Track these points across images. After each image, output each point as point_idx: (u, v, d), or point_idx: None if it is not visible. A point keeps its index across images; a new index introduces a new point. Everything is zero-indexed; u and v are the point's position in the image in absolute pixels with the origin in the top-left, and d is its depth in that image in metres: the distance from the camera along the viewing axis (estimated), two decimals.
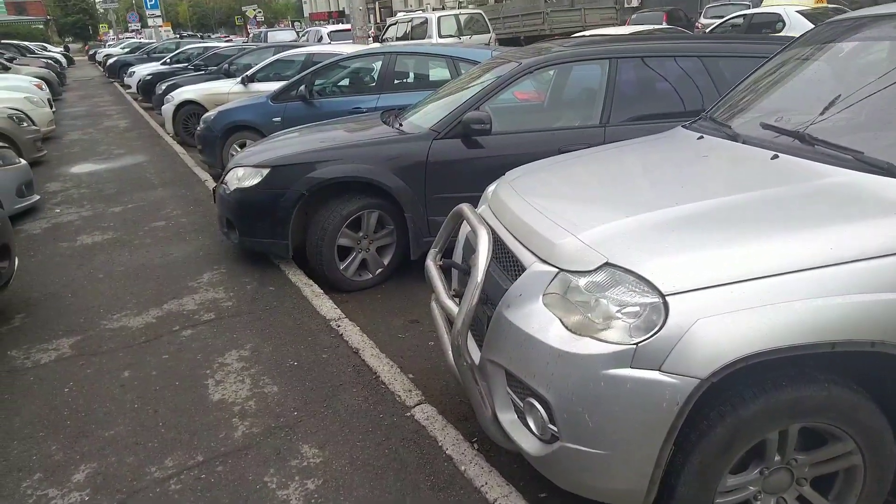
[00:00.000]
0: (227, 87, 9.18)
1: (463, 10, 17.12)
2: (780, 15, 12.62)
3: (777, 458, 1.79)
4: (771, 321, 1.59)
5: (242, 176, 4.25)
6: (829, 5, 13.90)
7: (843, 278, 1.63)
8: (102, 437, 2.67)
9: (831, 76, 2.72)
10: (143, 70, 15.91)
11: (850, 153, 2.01)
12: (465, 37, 15.01)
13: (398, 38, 15.39)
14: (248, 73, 9.02)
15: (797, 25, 11.44)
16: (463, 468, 2.34)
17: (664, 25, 15.99)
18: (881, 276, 1.64)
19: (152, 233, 5.45)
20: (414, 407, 2.73)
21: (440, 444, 2.48)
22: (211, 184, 6.95)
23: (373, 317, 3.79)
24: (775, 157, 2.18)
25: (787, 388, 1.70)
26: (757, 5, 15.05)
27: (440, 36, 14.50)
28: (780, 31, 12.31)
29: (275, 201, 4.08)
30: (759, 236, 1.73)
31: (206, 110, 8.40)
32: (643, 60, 4.14)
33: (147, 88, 13.83)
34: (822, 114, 2.31)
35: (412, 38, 14.99)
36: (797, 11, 12.45)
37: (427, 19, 15.31)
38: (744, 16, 13.85)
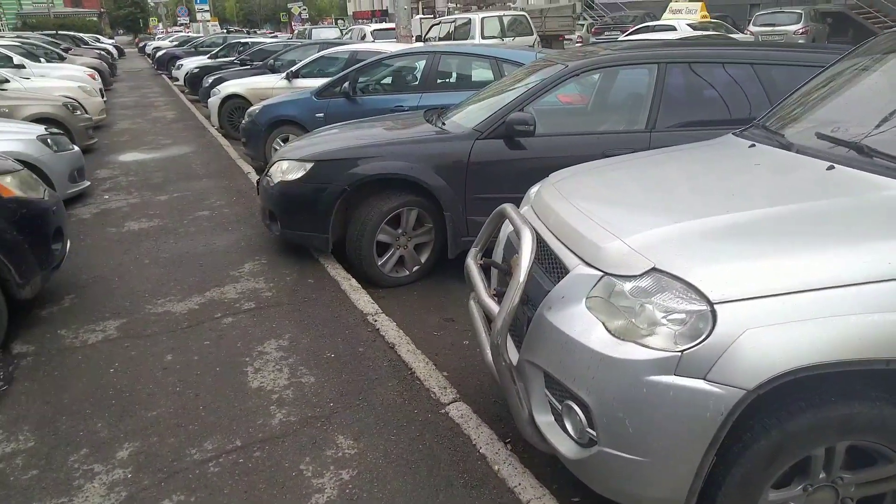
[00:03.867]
0: (271, 82, 9.34)
1: (507, 12, 17.08)
2: (673, 26, 16.66)
3: (822, 475, 1.75)
4: (822, 335, 1.56)
5: (287, 169, 4.33)
6: (711, 20, 18.10)
7: None
8: (145, 417, 2.75)
9: (889, 87, 2.64)
10: (190, 63, 16.30)
11: None
12: (508, 38, 14.98)
13: (441, 39, 15.43)
14: (293, 69, 9.15)
15: (684, 32, 15.46)
16: (496, 468, 2.34)
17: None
18: None
19: (196, 222, 5.58)
20: (448, 404, 2.74)
21: (474, 442, 2.48)
22: (254, 176, 7.09)
23: (409, 313, 3.82)
24: (831, 167, 2.13)
25: (837, 404, 1.66)
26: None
27: (483, 37, 14.50)
28: None
29: (317, 195, 4.14)
30: (812, 248, 1.69)
31: (251, 104, 8.55)
32: (691, 66, 4.08)
33: (194, 81, 14.14)
34: (879, 125, 2.25)
35: (455, 39, 15.01)
36: (687, 24, 16.72)
37: (471, 20, 15.32)
38: (647, 26, 17.69)
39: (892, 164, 2.01)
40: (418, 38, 15.65)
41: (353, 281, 4.13)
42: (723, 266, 1.71)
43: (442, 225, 4.19)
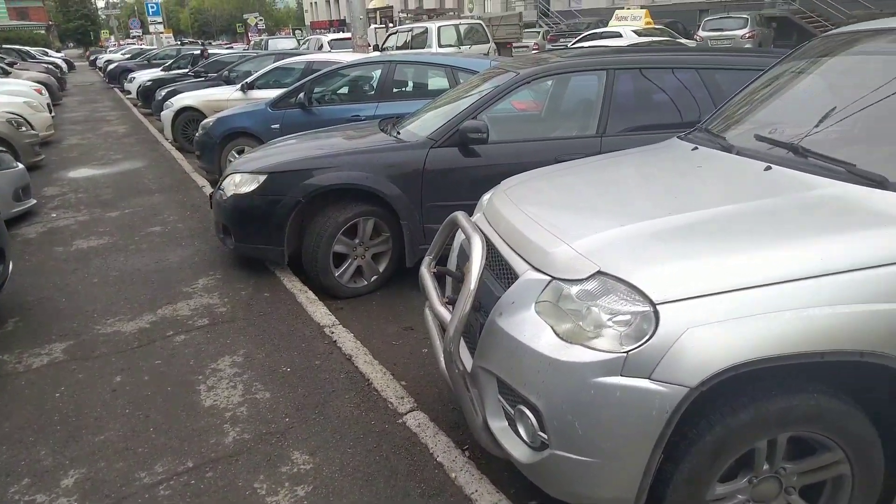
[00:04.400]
0: (226, 93, 9.20)
1: (463, 21, 17.23)
2: (619, 33, 16.98)
3: (766, 466, 1.80)
4: (760, 331, 1.60)
5: (239, 182, 4.26)
6: (655, 26, 18.74)
7: (833, 289, 1.63)
8: (92, 442, 2.65)
9: (825, 89, 2.74)
10: (143, 76, 15.95)
11: (843, 165, 2.02)
12: (464, 46, 15.09)
13: (398, 48, 15.45)
14: (248, 80, 9.04)
15: (630, 39, 15.90)
16: (454, 475, 2.33)
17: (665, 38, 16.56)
18: (870, 287, 1.64)
19: (148, 238, 5.45)
20: (406, 414, 2.73)
21: (431, 451, 2.47)
22: (208, 189, 6.96)
23: (367, 324, 3.79)
24: (768, 168, 2.20)
25: (777, 397, 1.70)
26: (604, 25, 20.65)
27: (440, 45, 14.58)
28: None
29: (271, 208, 4.09)
30: (749, 247, 1.74)
31: (206, 117, 8.41)
32: (640, 72, 4.17)
33: (147, 94, 13.85)
34: (815, 126, 2.32)
35: (412, 48, 15.05)
36: (632, 31, 17.12)
37: (427, 29, 15.39)
38: (594, 33, 18.11)
39: (825, 164, 2.08)
40: (376, 48, 15.63)
41: (310, 293, 4.08)
42: (665, 267, 1.74)
43: (399, 234, 4.18)
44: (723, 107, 3.02)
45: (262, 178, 4.14)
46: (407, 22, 20.03)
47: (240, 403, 2.88)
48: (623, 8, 21.06)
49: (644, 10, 20.15)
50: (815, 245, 1.70)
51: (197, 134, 7.52)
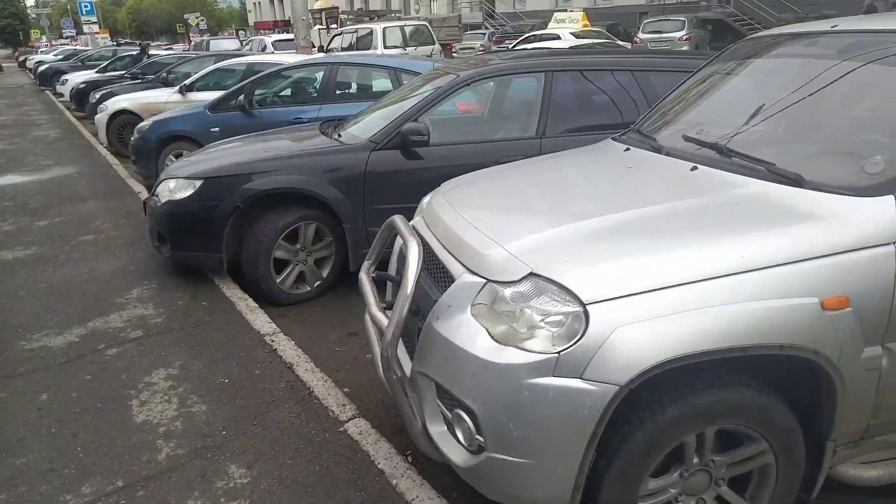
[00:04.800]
0: (164, 96, 8.91)
1: (409, 22, 17.20)
2: (558, 35, 17.53)
3: (696, 460, 1.84)
4: (685, 328, 1.64)
5: (174, 188, 4.12)
6: (592, 28, 19.48)
7: (754, 285, 1.69)
8: (14, 465, 2.51)
9: (749, 91, 2.84)
10: (76, 78, 15.29)
11: (763, 164, 2.09)
12: (410, 48, 15.06)
13: (343, 49, 15.31)
14: (187, 82, 8.79)
15: (567, 41, 16.56)
16: (395, 482, 2.31)
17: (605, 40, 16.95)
18: (788, 282, 1.70)
19: (80, 248, 5.21)
20: (347, 422, 2.68)
21: (372, 458, 2.44)
22: (145, 195, 6.71)
23: (310, 330, 3.72)
24: (694, 168, 2.26)
25: (703, 392, 1.74)
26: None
27: (385, 47, 14.51)
28: None
29: (208, 214, 3.97)
30: (674, 246, 1.78)
31: (142, 120, 8.13)
32: (578, 74, 4.24)
33: (81, 97, 13.30)
34: (739, 127, 2.41)
35: (358, 49, 14.93)
36: (570, 33, 17.69)
37: (373, 30, 15.30)
38: (534, 35, 18.69)
39: (747, 163, 2.15)
40: (321, 49, 15.44)
41: (251, 301, 3.98)
42: (594, 268, 1.76)
43: (342, 238, 4.12)
44: (654, 108, 3.09)
45: (199, 183, 4.02)
46: (349, 23, 19.91)
47: (174, 418, 2.78)
48: (563, 10, 21.52)
49: (581, 13, 20.79)
50: (737, 243, 1.75)
51: (132, 138, 7.25)
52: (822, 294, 1.70)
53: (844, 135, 2.19)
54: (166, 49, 22.66)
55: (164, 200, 4.14)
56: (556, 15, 21.45)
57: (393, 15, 25.10)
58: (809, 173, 1.95)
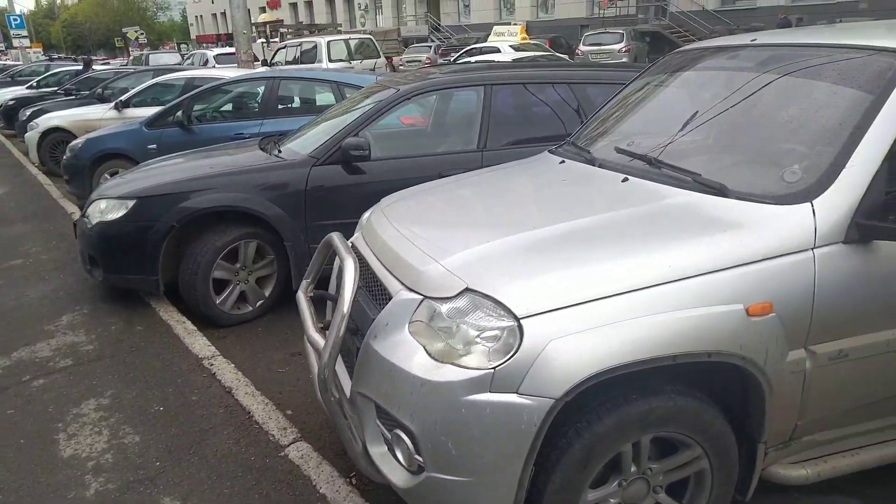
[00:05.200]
0: (99, 112, 8.61)
1: (353, 35, 17.17)
2: (497, 48, 17.75)
3: (633, 468, 1.86)
4: (616, 339, 1.65)
5: (105, 208, 3.96)
6: (531, 41, 19.95)
7: (680, 294, 1.72)
8: None
9: (678, 102, 2.92)
10: (5, 94, 14.61)
11: (690, 175, 2.15)
12: (355, 61, 15.01)
13: (287, 63, 15.14)
14: (123, 97, 8.52)
15: (507, 53, 16.63)
16: None
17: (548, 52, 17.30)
18: (715, 290, 1.75)
19: (7, 273, 4.95)
20: (288, 446, 2.61)
21: (314, 483, 2.38)
22: (78, 216, 6.45)
23: (252, 352, 3.62)
24: (625, 179, 2.30)
25: (637, 401, 1.76)
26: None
27: (330, 60, 14.42)
28: None
29: (142, 235, 3.82)
30: (604, 258, 1.80)
31: (76, 137, 7.82)
32: (517, 87, 4.29)
33: (9, 114, 12.71)
34: (669, 138, 2.47)
35: (303, 63, 14.80)
36: (509, 45, 17.97)
37: (317, 44, 15.19)
38: (474, 48, 18.91)
39: (675, 174, 2.20)
40: (264, 63, 15.23)
41: (189, 324, 3.85)
42: (527, 281, 1.76)
43: (284, 256, 4.04)
44: (589, 120, 3.15)
45: (131, 203, 3.87)
46: (288, 37, 19.79)
47: (105, 450, 2.64)
48: (505, 24, 22.03)
49: (520, 27, 21.47)
50: (664, 253, 1.79)
51: (65, 156, 6.96)
52: (747, 301, 1.75)
53: (765, 144, 2.27)
54: (103, 63, 21.92)
55: (95, 222, 3.97)
56: (496, 28, 21.99)
57: (333, 29, 25.16)
58: (733, 183, 2.01)
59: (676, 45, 20.20)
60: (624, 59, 18.31)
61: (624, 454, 1.81)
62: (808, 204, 1.86)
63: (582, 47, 20.37)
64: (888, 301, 1.88)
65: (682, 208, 2.02)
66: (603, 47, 19.60)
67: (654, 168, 2.31)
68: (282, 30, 23.46)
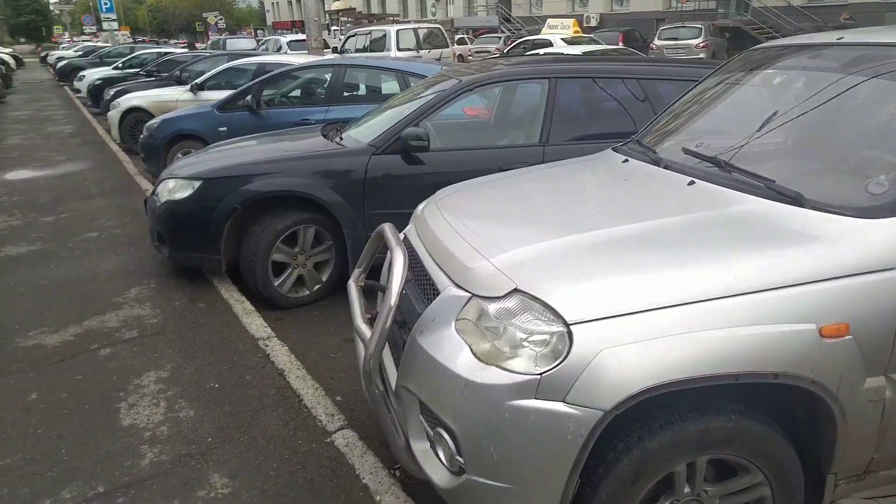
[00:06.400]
0: (175, 94, 8.94)
1: (422, 24, 17.20)
2: (549, 41, 17.63)
3: (687, 489, 1.76)
4: (673, 353, 1.57)
5: (173, 188, 4.11)
6: (584, 35, 19.77)
7: (746, 309, 1.61)
8: None
9: (752, 103, 2.75)
10: (93, 74, 15.43)
11: (762, 181, 2.02)
12: (423, 51, 15.03)
13: (357, 50, 15.31)
14: (198, 80, 8.81)
15: (560, 47, 16.10)
16: (378, 498, 2.25)
17: (620, 46, 16.82)
18: (784, 307, 1.63)
19: (83, 244, 5.22)
20: (335, 432, 2.64)
21: (357, 472, 2.39)
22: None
23: (307, 335, 3.68)
24: (692, 182, 2.18)
25: (694, 419, 1.67)
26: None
27: (399, 49, 14.49)
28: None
29: (207, 215, 3.95)
30: (665, 265, 1.70)
31: (154, 117, 8.16)
32: (582, 81, 4.17)
33: (96, 93, 13.41)
34: (742, 141, 2.33)
35: (371, 51, 14.94)
36: (561, 39, 17.99)
37: (386, 32, 15.29)
38: (526, 41, 18.78)
39: (746, 179, 2.07)
40: (335, 50, 15.46)
41: (248, 303, 3.95)
42: (580, 286, 1.69)
43: (342, 242, 4.08)
44: (657, 119, 3.02)
45: (197, 183, 4.00)
46: (348, 26, 20.05)
47: (161, 422, 2.75)
48: (560, 17, 21.82)
49: (573, 20, 21.31)
50: (730, 264, 1.68)
51: (142, 135, 7.29)
52: (821, 321, 1.62)
53: (848, 152, 2.10)
54: (181, 48, 22.79)
55: (163, 200, 4.13)
56: (549, 21, 21.96)
57: (389, 18, 25.36)
58: (810, 192, 1.87)
59: (758, 43, 19.35)
60: (701, 55, 17.57)
61: (677, 474, 1.71)
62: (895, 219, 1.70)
63: (657, 41, 19.71)
64: None
65: (752, 216, 1.89)
66: (679, 42, 18.91)
67: (724, 172, 2.18)
68: (342, 18, 23.87)
